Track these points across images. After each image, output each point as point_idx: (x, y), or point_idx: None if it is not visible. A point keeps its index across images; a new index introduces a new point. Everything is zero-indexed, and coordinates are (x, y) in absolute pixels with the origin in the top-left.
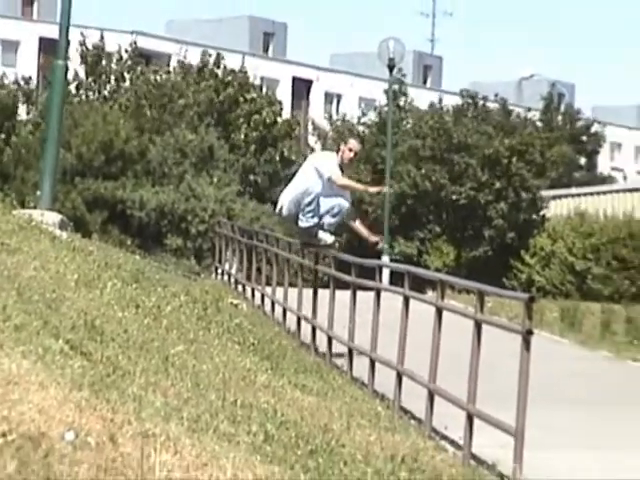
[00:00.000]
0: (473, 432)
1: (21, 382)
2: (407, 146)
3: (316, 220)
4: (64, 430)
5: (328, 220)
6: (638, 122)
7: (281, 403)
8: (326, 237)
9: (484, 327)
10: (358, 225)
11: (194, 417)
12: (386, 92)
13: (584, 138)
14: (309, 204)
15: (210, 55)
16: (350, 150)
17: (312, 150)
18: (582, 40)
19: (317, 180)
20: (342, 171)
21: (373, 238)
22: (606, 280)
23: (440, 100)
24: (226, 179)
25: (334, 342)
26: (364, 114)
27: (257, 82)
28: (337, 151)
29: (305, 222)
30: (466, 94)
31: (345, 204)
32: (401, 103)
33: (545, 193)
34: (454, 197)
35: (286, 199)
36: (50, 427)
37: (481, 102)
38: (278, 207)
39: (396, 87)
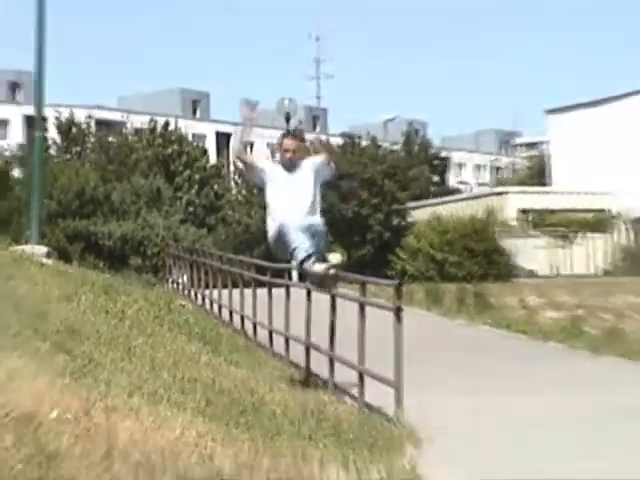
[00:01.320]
0: (364, 387)
1: (17, 376)
2: None
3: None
4: (50, 409)
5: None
6: (476, 146)
7: (219, 376)
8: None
9: (369, 308)
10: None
11: (152, 391)
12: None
13: (436, 162)
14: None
15: (156, 121)
16: (286, 151)
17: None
18: (432, 84)
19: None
20: (289, 171)
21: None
22: (459, 265)
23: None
24: (172, 211)
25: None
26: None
27: (190, 138)
28: None
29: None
30: (345, 135)
31: (317, 220)
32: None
33: (411, 204)
34: (343, 212)
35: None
36: (39, 408)
37: (357, 140)
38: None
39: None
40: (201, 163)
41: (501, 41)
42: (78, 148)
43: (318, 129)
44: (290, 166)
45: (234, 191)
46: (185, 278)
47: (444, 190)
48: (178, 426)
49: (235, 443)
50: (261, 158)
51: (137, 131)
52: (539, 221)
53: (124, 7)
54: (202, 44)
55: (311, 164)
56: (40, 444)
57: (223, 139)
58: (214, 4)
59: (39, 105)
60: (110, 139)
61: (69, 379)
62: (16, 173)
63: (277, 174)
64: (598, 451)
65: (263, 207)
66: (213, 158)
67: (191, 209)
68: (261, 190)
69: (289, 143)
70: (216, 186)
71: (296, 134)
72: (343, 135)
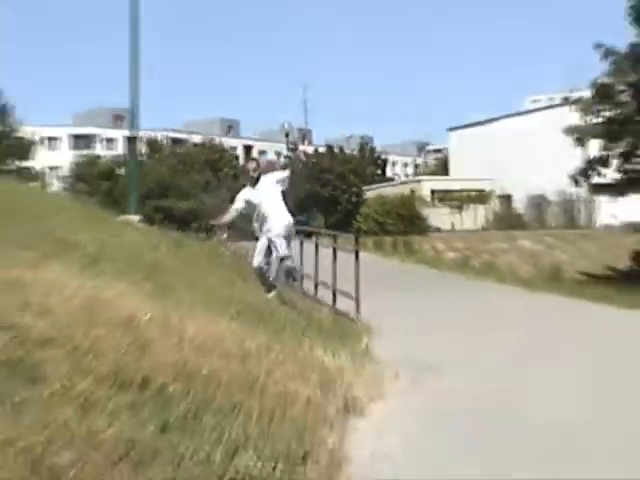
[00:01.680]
0: (337, 300)
1: (122, 295)
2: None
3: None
4: (143, 315)
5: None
6: (403, 151)
7: (247, 295)
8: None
9: (338, 252)
10: None
11: (206, 305)
12: (288, 148)
13: (379, 161)
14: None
15: (206, 138)
16: (249, 171)
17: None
18: (376, 112)
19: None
20: (256, 183)
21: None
22: (393, 225)
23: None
24: (217, 195)
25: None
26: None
27: (227, 149)
28: None
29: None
30: (326, 145)
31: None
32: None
33: (365, 187)
34: (322, 194)
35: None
36: (136, 315)
37: (336, 149)
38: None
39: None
40: (234, 164)
41: (415, 75)
42: (158, 155)
43: (306, 142)
44: (254, 182)
45: None
46: (225, 235)
47: (384, 179)
48: (222, 325)
49: (257, 335)
50: (240, 199)
51: (195, 145)
52: (443, 197)
53: (187, 62)
54: (233, 88)
55: (274, 178)
56: (138, 336)
57: (248, 149)
58: (240, 60)
59: (134, 129)
60: (178, 150)
61: (154, 298)
62: (121, 172)
63: (252, 193)
64: (471, 334)
65: None
66: (242, 161)
67: (228, 193)
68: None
69: (250, 166)
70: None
71: (254, 158)
72: (325, 145)
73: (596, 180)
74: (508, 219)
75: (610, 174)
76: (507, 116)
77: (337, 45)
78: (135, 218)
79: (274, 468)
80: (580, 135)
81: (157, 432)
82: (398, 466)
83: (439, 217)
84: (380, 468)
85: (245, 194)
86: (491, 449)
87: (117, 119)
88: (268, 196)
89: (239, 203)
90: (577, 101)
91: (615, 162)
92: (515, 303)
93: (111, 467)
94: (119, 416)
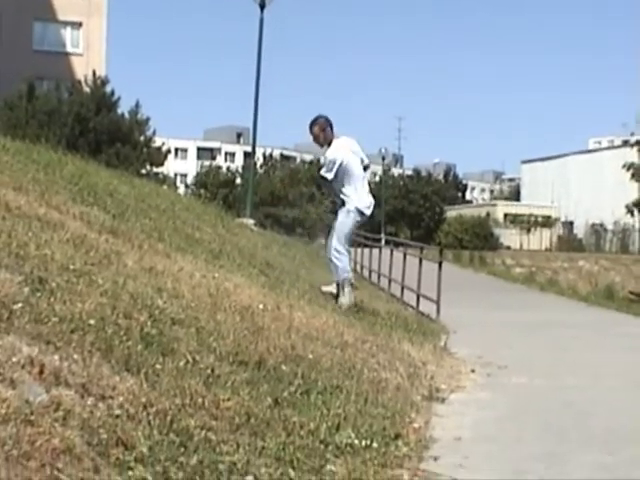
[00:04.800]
0: (420, 302)
1: (240, 287)
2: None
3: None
4: (258, 304)
5: None
6: (481, 178)
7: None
8: None
9: (423, 262)
10: None
11: (310, 298)
12: (383, 170)
13: (460, 186)
14: None
15: (314, 157)
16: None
17: None
18: (459, 142)
19: None
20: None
21: None
22: (470, 241)
23: (404, 172)
24: (320, 206)
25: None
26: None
27: None
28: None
29: None
30: (415, 170)
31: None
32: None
33: (446, 207)
34: (409, 211)
35: None
36: (252, 303)
37: (424, 174)
38: None
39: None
40: None
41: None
42: (271, 169)
43: (399, 166)
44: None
45: None
46: (324, 240)
47: (464, 201)
48: (324, 317)
49: (354, 327)
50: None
51: (304, 162)
52: (513, 220)
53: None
54: (338, 117)
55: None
56: (253, 322)
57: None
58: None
59: (253, 146)
60: (290, 165)
61: (267, 289)
62: (238, 181)
63: None
64: (536, 337)
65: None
66: None
67: (330, 204)
68: None
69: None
70: None
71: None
72: (413, 170)
73: None
74: (569, 242)
75: None
76: (574, 153)
77: (431, 84)
78: (250, 221)
79: (370, 444)
80: (636, 171)
81: (271, 406)
82: (479, 449)
83: (509, 237)
84: (462, 449)
85: None
86: (560, 434)
87: (238, 136)
88: None
89: None
90: (636, 143)
91: None
92: (572, 313)
93: (232, 433)
94: (239, 390)
